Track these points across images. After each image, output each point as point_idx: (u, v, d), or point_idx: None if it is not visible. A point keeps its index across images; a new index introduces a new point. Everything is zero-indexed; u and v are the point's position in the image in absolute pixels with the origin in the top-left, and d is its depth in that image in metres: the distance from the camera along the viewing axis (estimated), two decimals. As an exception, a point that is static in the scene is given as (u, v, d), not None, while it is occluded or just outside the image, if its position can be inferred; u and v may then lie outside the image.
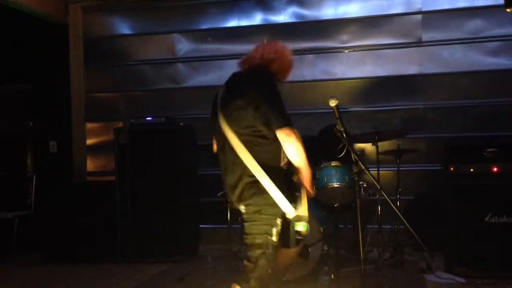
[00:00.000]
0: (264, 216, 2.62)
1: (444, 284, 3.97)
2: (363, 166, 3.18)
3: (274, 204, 2.59)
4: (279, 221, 2.64)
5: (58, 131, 6.34)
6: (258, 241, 2.63)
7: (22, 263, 5.42)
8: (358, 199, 3.21)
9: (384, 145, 4.81)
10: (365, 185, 4.21)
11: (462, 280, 3.99)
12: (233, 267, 4.44)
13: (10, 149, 6.53)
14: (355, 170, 3.21)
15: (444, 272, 4.16)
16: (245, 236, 2.70)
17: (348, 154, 3.15)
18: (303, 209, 2.62)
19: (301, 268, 4.02)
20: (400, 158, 4.73)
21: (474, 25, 5.38)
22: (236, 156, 2.63)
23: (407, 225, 3.77)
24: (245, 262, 2.66)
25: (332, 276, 3.92)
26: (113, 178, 5.29)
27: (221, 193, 4.00)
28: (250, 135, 2.62)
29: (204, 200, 5.39)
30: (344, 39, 5.69)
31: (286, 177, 2.70)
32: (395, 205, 4.33)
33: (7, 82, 6.47)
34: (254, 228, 2.65)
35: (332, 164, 4.16)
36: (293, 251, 2.92)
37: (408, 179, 5.16)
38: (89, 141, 6.35)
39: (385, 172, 5.08)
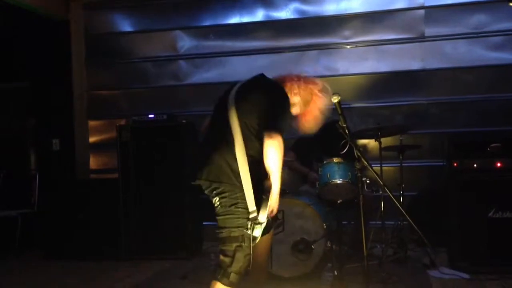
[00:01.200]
0: (240, 210, 2.62)
1: (448, 280, 3.96)
2: (365, 162, 3.17)
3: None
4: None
5: (61, 129, 6.35)
6: (234, 234, 2.62)
7: (25, 260, 5.44)
8: (361, 195, 3.19)
9: (387, 141, 4.80)
10: (368, 181, 4.19)
11: (466, 275, 3.98)
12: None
13: (13, 147, 6.54)
14: (357, 166, 3.20)
15: (447, 268, 4.16)
16: (218, 230, 2.68)
17: (350, 150, 3.14)
18: (263, 213, 2.59)
19: (304, 265, 4.02)
20: (403, 154, 4.72)
21: (477, 20, 5.35)
22: (231, 140, 2.62)
23: (411, 221, 3.75)
24: (222, 257, 2.65)
25: (336, 273, 3.90)
26: (116, 175, 5.30)
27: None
28: (250, 128, 2.64)
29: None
30: (346, 35, 5.67)
31: (261, 179, 2.67)
32: (398, 201, 4.31)
33: (9, 80, 6.47)
34: (230, 221, 2.64)
35: (334, 160, 4.15)
36: (264, 240, 2.83)
37: (411, 175, 5.14)
38: (91, 139, 6.36)
39: (388, 168, 5.07)
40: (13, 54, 6.38)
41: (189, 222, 5.12)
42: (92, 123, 6.37)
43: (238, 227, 2.62)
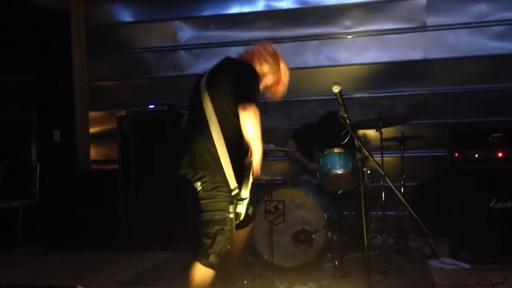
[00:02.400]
0: (221, 193, 2.70)
1: (449, 270, 3.97)
2: (366, 153, 3.16)
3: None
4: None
5: (62, 120, 6.34)
6: (216, 217, 2.70)
7: (27, 251, 5.45)
8: (362, 186, 3.19)
9: (388, 131, 4.79)
10: (369, 172, 4.20)
11: (467, 265, 3.99)
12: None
13: (14, 138, 6.54)
14: (358, 157, 3.19)
15: (448, 258, 4.16)
16: (202, 214, 2.76)
17: (351, 140, 3.13)
18: (245, 189, 2.70)
19: (305, 255, 4.03)
20: (404, 144, 4.71)
21: (479, 9, 5.31)
22: (206, 124, 2.72)
23: (411, 211, 3.76)
24: (204, 239, 2.74)
25: (336, 263, 3.92)
26: (116, 166, 5.30)
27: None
28: (225, 110, 2.72)
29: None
30: (348, 25, 5.64)
31: (241, 155, 2.76)
32: (399, 191, 4.31)
33: (10, 72, 6.45)
34: (212, 205, 2.72)
35: (335, 151, 4.15)
36: (242, 233, 2.99)
37: (412, 165, 5.14)
38: (92, 130, 6.36)
39: (389, 159, 5.07)
40: (13, 46, 6.35)
41: (190, 212, 5.10)
42: (92, 114, 6.36)
43: (220, 210, 2.70)
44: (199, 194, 2.78)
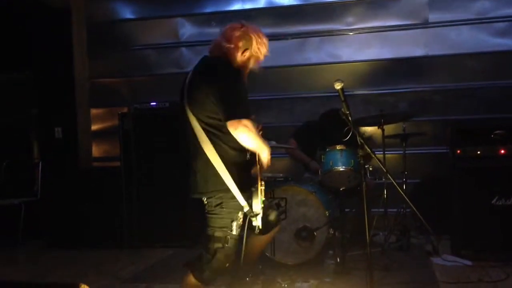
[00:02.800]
0: (225, 210, 2.63)
1: (450, 267, 3.96)
2: (368, 150, 3.15)
3: (235, 198, 2.61)
4: (240, 214, 2.66)
5: (63, 117, 6.33)
6: (217, 234, 2.63)
7: (28, 249, 5.46)
8: (364, 183, 3.18)
9: (390, 128, 4.77)
10: (370, 169, 4.18)
11: (469, 262, 3.98)
12: (238, 252, 4.43)
13: (16, 136, 6.53)
14: (360, 154, 3.18)
15: (450, 255, 4.16)
16: (206, 227, 2.70)
17: (353, 137, 3.12)
18: (256, 204, 2.60)
19: (307, 252, 4.02)
20: (406, 141, 4.70)
21: (481, 5, 5.29)
22: (199, 144, 2.63)
23: (413, 208, 3.75)
24: (204, 252, 2.68)
25: (338, 260, 3.91)
26: (118, 163, 5.30)
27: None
28: (210, 123, 2.61)
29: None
30: (350, 21, 5.62)
31: (245, 170, 2.68)
32: (401, 188, 4.30)
33: (11, 69, 6.44)
34: (214, 221, 2.66)
35: (337, 148, 4.14)
36: (263, 239, 2.94)
37: (415, 162, 5.12)
38: (94, 127, 6.36)
39: (391, 155, 5.05)
40: (14, 43, 6.34)
41: (192, 210, 5.11)
42: (94, 111, 6.36)
43: (222, 227, 2.63)
44: (205, 208, 2.72)
